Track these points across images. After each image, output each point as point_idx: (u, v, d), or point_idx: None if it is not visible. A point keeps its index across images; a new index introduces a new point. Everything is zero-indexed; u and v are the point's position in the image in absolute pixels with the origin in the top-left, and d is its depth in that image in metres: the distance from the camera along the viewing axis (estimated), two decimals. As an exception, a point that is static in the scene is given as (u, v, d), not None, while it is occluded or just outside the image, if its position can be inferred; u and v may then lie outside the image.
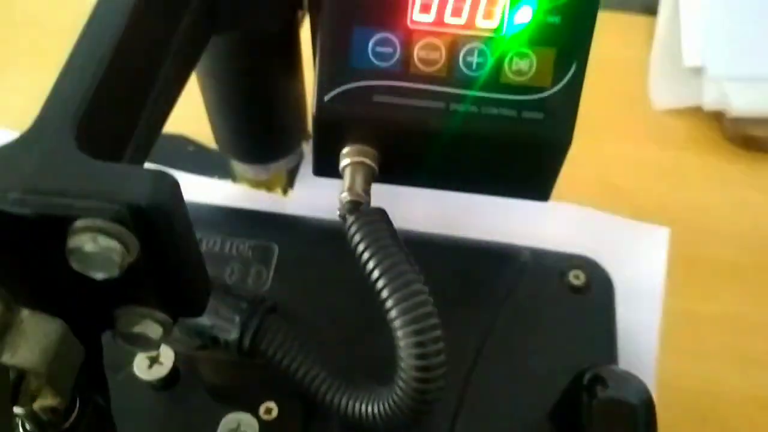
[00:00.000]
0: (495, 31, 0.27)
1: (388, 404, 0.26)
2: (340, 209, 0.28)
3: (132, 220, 0.17)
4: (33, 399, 0.19)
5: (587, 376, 0.28)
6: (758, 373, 0.40)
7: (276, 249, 0.35)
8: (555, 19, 0.27)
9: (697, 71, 0.52)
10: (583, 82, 0.27)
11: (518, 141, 0.28)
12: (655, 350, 0.38)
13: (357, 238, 0.27)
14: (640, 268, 0.40)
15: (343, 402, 0.28)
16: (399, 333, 0.25)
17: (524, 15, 0.26)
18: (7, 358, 0.17)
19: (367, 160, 0.28)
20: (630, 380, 0.28)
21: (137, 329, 0.20)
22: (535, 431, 0.31)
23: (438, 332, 0.25)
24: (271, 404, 0.30)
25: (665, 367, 0.38)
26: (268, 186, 0.42)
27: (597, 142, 0.49)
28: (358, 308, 0.30)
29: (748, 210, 0.47)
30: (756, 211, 0.47)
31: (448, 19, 0.27)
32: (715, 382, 0.39)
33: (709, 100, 0.50)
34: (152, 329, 0.21)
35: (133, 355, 0.31)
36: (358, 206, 0.28)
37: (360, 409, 0.27)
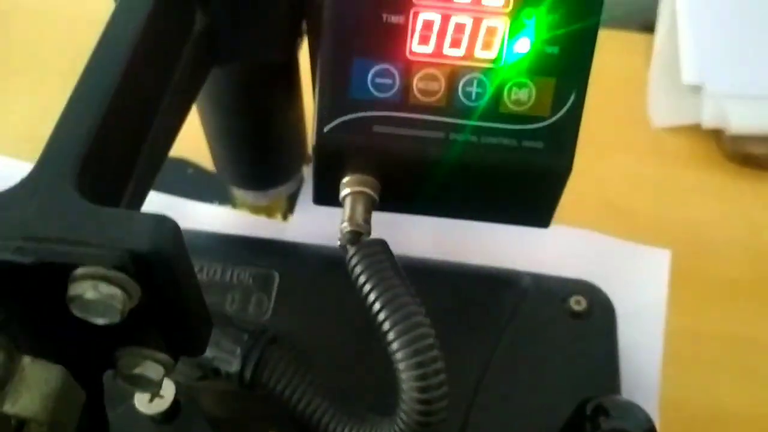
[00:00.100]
0: (494, 61, 0.27)
1: (390, 435, 0.26)
2: (340, 239, 0.28)
3: (133, 266, 0.17)
4: (34, 445, 0.19)
5: (590, 407, 0.28)
6: (763, 391, 0.40)
7: (277, 277, 0.35)
8: (553, 50, 0.27)
9: (696, 89, 0.52)
10: (583, 110, 0.27)
11: (518, 170, 0.28)
12: (657, 375, 0.37)
13: (358, 270, 0.27)
14: (641, 292, 0.40)
15: (345, 434, 0.28)
16: (401, 365, 0.25)
17: (523, 45, 0.26)
18: (9, 407, 0.17)
19: (368, 190, 0.28)
20: (633, 410, 0.28)
21: (138, 370, 0.20)
22: (538, 461, 0.31)
23: (440, 364, 0.25)
24: (273, 435, 0.30)
25: (669, 386, 0.38)
26: (268, 211, 0.42)
27: (596, 160, 0.49)
28: (359, 336, 0.30)
29: (748, 227, 0.47)
30: (756, 228, 0.47)
31: (447, 50, 0.27)
32: (719, 401, 0.39)
33: (708, 118, 0.50)
34: (153, 370, 0.20)
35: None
36: (358, 236, 0.28)
37: (362, 441, 0.27)
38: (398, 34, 0.27)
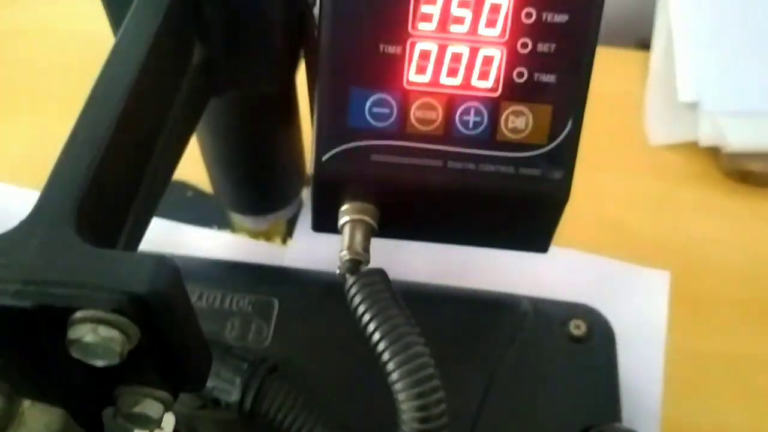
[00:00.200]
0: (490, 90, 0.27)
1: (391, 465, 0.26)
2: (339, 268, 0.28)
3: (132, 309, 0.17)
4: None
5: (591, 435, 0.28)
6: (765, 410, 0.40)
7: (276, 304, 0.34)
8: (549, 78, 0.27)
9: (692, 106, 0.52)
10: (580, 138, 0.28)
11: (516, 197, 0.28)
12: (658, 398, 0.37)
13: (357, 299, 0.27)
14: (641, 314, 0.40)
15: (345, 463, 0.28)
16: (401, 396, 0.25)
17: (519, 74, 0.27)
18: (9, 452, 0.17)
19: (366, 218, 0.29)
20: (634, 438, 0.28)
21: (138, 409, 0.20)
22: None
23: (440, 394, 0.25)
24: (274, 463, 0.30)
25: (669, 406, 0.38)
26: (267, 236, 0.42)
27: (594, 178, 0.49)
28: (359, 363, 0.30)
29: (747, 244, 0.47)
30: (755, 245, 0.47)
31: (444, 79, 0.27)
32: (720, 420, 0.39)
33: (705, 136, 0.50)
34: (153, 408, 0.20)
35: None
36: (357, 265, 0.28)
37: (362, 471, 0.27)
38: (395, 63, 0.27)
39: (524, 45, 0.26)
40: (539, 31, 0.26)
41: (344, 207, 0.29)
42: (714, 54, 0.53)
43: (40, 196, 0.19)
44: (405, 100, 0.27)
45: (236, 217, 0.41)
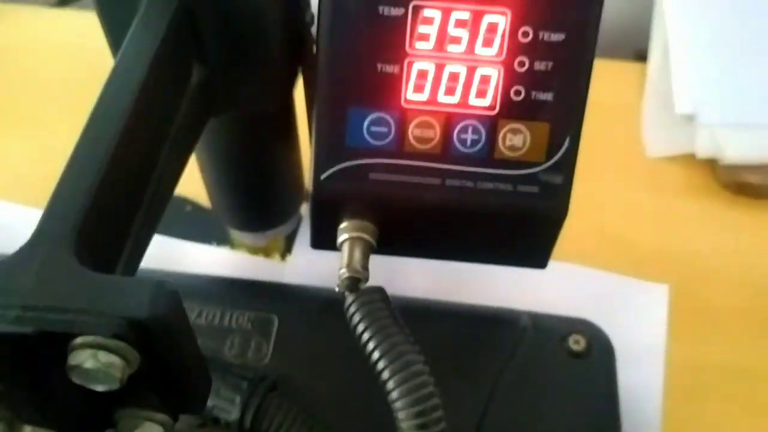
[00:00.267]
0: (488, 109, 0.27)
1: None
2: (339, 285, 0.28)
3: (132, 334, 0.17)
4: None
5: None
6: (765, 422, 0.40)
7: (276, 321, 0.35)
8: (547, 96, 0.27)
9: (690, 118, 0.52)
10: (578, 155, 0.28)
11: (514, 214, 0.28)
12: (658, 413, 0.37)
13: (357, 318, 0.27)
14: (640, 329, 0.40)
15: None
16: (401, 414, 0.25)
17: (516, 93, 0.27)
18: (9, 479, 0.17)
19: (365, 236, 0.29)
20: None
21: (138, 432, 0.20)
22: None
23: (440, 413, 0.25)
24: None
25: (670, 418, 0.38)
26: (267, 251, 0.42)
27: (591, 190, 0.49)
28: (359, 380, 0.30)
29: (745, 256, 0.47)
30: (753, 257, 0.47)
31: (442, 98, 0.27)
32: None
33: (702, 148, 0.51)
34: (153, 431, 0.20)
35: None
36: (356, 283, 0.28)
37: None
38: (393, 83, 0.27)
39: (521, 64, 0.26)
40: (536, 50, 0.26)
41: (343, 225, 0.29)
42: (711, 66, 0.54)
43: (39, 221, 0.19)
44: (403, 118, 0.27)
45: (235, 234, 0.41)
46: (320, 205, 0.29)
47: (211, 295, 0.35)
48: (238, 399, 0.29)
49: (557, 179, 0.27)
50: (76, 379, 0.17)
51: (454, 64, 0.26)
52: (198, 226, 0.45)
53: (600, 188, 0.50)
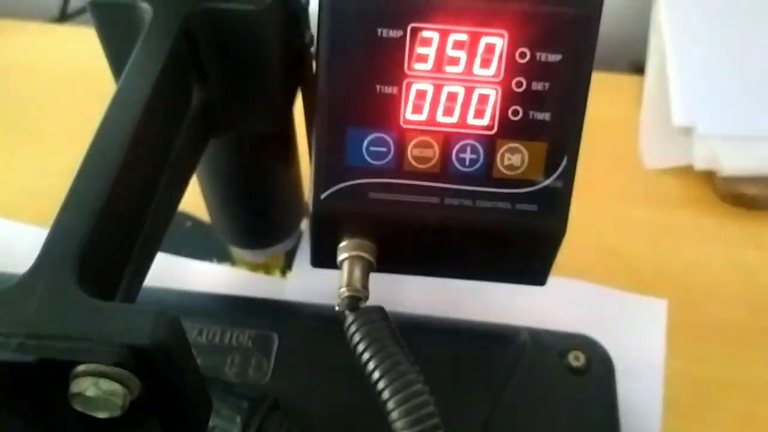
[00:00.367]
0: (486, 128, 0.27)
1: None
2: (339, 305, 0.28)
3: (134, 361, 0.17)
4: None
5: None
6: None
7: (276, 338, 0.35)
8: (544, 116, 0.27)
9: (687, 131, 0.52)
10: (575, 173, 0.28)
11: (513, 232, 0.28)
12: (658, 427, 0.37)
13: (357, 337, 0.27)
14: (639, 344, 0.40)
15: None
16: (401, 435, 0.25)
17: (514, 113, 0.27)
18: (11, 507, 0.17)
19: (365, 254, 0.29)
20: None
21: (139, 457, 0.20)
22: None
23: (441, 432, 0.25)
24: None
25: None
26: (267, 268, 0.42)
27: (589, 204, 0.49)
28: (360, 398, 0.30)
29: (744, 268, 0.47)
30: (752, 269, 0.47)
31: (440, 118, 0.27)
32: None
33: (700, 160, 0.51)
34: (154, 455, 0.20)
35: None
36: (356, 301, 0.28)
37: None
38: (392, 103, 0.27)
39: (519, 84, 0.27)
40: (533, 70, 0.26)
41: (343, 243, 0.29)
42: (708, 78, 0.54)
43: (42, 247, 0.19)
44: (402, 138, 0.27)
45: (235, 251, 0.41)
46: (320, 225, 0.29)
47: (212, 312, 0.36)
48: (238, 419, 0.29)
49: (555, 197, 0.28)
50: (78, 407, 0.18)
51: (452, 85, 0.27)
52: (198, 243, 0.45)
53: (597, 201, 0.50)
